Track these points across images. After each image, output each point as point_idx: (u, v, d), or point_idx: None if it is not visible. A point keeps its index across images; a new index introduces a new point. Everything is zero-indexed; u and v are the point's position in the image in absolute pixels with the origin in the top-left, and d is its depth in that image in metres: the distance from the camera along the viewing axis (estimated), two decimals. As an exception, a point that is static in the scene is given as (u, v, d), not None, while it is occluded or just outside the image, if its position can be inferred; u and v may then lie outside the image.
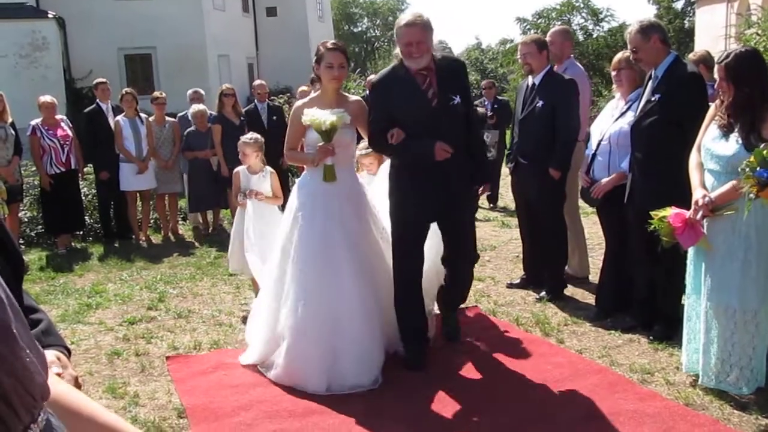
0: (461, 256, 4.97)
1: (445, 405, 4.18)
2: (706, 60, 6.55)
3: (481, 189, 5.32)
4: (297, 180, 5.05)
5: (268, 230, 5.56)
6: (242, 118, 9.47)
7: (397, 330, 4.82)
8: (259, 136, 6.23)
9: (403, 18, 4.60)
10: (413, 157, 4.60)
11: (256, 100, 10.11)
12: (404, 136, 4.50)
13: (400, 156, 4.70)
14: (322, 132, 4.53)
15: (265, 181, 5.97)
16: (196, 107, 9.57)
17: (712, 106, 4.25)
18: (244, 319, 5.56)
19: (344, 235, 4.59)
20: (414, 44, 4.46)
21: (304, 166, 5.03)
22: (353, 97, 5.07)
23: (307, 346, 4.45)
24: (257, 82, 10.60)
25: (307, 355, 4.46)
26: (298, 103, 4.96)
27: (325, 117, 4.49)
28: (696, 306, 4.27)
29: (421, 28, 4.50)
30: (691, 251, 4.28)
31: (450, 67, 4.73)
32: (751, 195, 3.71)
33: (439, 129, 4.50)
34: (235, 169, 6.19)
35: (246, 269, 5.89)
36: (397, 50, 4.68)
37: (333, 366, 4.44)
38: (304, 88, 10.35)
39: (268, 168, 6.10)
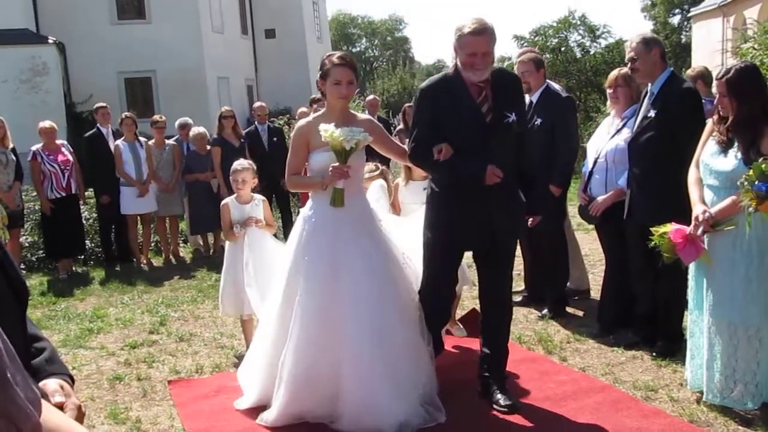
0: (499, 293, 4.43)
1: (447, 424, 4.15)
2: (704, 76, 6.59)
3: (531, 220, 4.80)
4: (301, 210, 4.54)
5: (268, 262, 5.07)
6: (242, 140, 9.51)
7: (419, 369, 4.31)
8: (251, 162, 5.83)
9: (467, 25, 4.05)
10: (459, 177, 4.15)
11: (256, 122, 10.15)
12: (452, 153, 4.08)
13: (444, 175, 4.24)
14: (340, 151, 4.08)
15: (258, 209, 5.46)
16: (196, 129, 9.61)
17: (710, 122, 4.26)
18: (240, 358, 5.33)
19: (357, 266, 4.14)
20: (479, 55, 4.02)
21: (309, 193, 4.55)
22: (362, 116, 4.65)
23: (307, 394, 4.09)
24: (257, 104, 10.65)
25: (307, 402, 4.12)
26: (301, 122, 4.47)
27: (350, 135, 4.03)
28: (698, 322, 4.26)
29: (489, 37, 4.05)
30: (692, 267, 4.28)
31: (506, 81, 4.28)
32: (751, 209, 3.72)
33: (489, 148, 4.08)
34: (223, 201, 5.63)
35: (245, 308, 5.31)
36: (453, 58, 4.22)
37: (334, 413, 4.10)
38: (303, 109, 10.40)
39: (259, 196, 5.62)
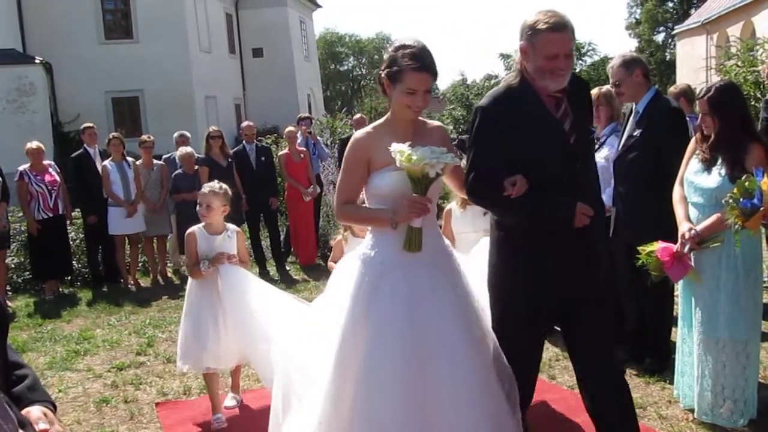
0: (609, 361, 3.36)
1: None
2: (687, 93, 6.64)
3: None
4: (358, 250, 3.38)
5: (249, 305, 4.27)
6: (230, 159, 9.51)
7: None
8: (226, 186, 4.72)
9: (541, 19, 3.16)
10: (540, 218, 3.20)
11: (244, 141, 10.16)
12: (527, 188, 3.15)
13: (519, 217, 3.27)
14: (419, 179, 3.08)
15: (230, 243, 4.59)
16: (184, 149, 9.61)
17: (693, 140, 4.30)
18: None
19: (442, 323, 3.14)
20: (561, 57, 3.15)
21: (363, 229, 3.64)
22: (433, 123, 3.53)
23: None
24: (245, 123, 10.67)
25: None
26: (359, 134, 3.37)
27: (433, 158, 3.02)
28: (687, 339, 4.27)
29: (571, 33, 3.20)
30: (680, 284, 4.30)
31: (579, 88, 3.41)
32: (737, 226, 3.74)
33: (577, 176, 3.24)
34: (188, 230, 4.69)
35: (205, 361, 4.52)
36: (517, 63, 3.33)
37: None
38: (291, 128, 10.42)
39: (233, 226, 4.75)
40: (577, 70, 29.65)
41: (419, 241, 3.13)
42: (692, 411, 4.22)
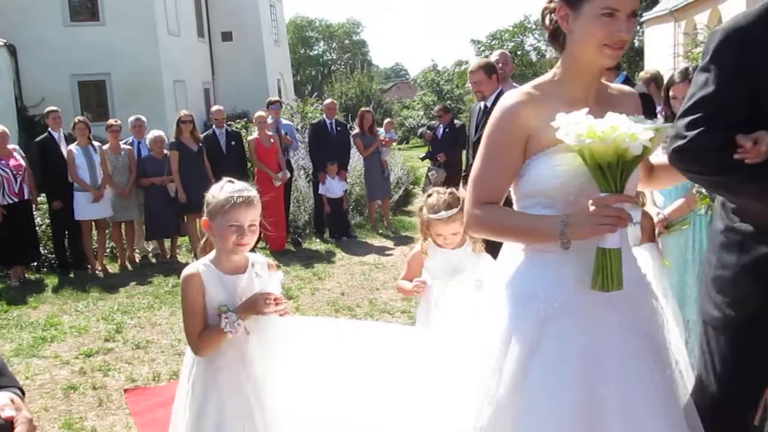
0: None
1: None
2: (657, 79, 6.70)
3: None
4: (503, 270, 2.22)
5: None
6: (201, 144, 9.42)
7: None
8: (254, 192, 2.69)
9: None
10: None
11: (214, 126, 10.06)
12: None
13: (748, 193, 2.18)
14: (610, 165, 1.89)
15: (261, 282, 2.66)
16: (155, 133, 9.50)
17: None
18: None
19: (626, 389, 2.03)
20: None
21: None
22: (622, 87, 2.37)
23: None
24: (215, 107, 10.57)
25: None
26: (514, 96, 2.13)
27: (631, 125, 1.87)
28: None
29: None
30: (647, 268, 4.35)
31: None
32: (701, 212, 3.83)
33: None
34: (187, 271, 2.62)
35: None
36: None
37: None
38: (261, 113, 10.33)
39: (262, 258, 2.81)
40: (547, 56, 29.76)
41: (619, 272, 1.94)
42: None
